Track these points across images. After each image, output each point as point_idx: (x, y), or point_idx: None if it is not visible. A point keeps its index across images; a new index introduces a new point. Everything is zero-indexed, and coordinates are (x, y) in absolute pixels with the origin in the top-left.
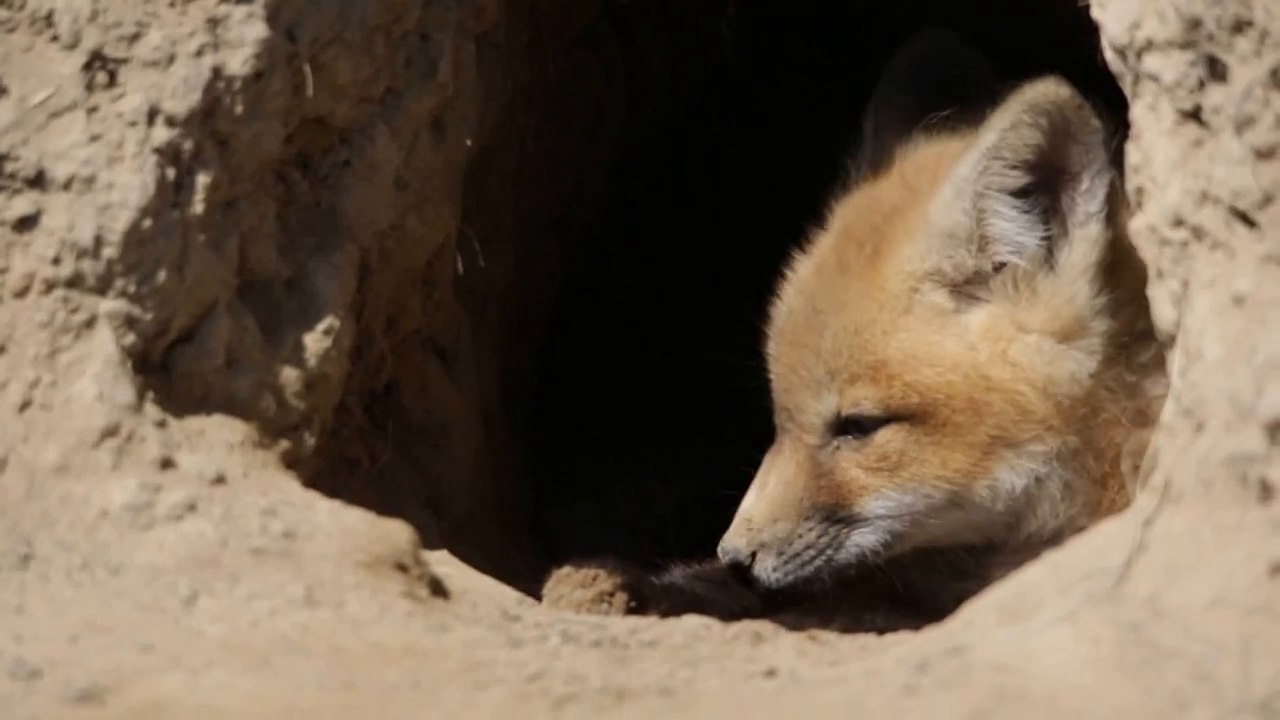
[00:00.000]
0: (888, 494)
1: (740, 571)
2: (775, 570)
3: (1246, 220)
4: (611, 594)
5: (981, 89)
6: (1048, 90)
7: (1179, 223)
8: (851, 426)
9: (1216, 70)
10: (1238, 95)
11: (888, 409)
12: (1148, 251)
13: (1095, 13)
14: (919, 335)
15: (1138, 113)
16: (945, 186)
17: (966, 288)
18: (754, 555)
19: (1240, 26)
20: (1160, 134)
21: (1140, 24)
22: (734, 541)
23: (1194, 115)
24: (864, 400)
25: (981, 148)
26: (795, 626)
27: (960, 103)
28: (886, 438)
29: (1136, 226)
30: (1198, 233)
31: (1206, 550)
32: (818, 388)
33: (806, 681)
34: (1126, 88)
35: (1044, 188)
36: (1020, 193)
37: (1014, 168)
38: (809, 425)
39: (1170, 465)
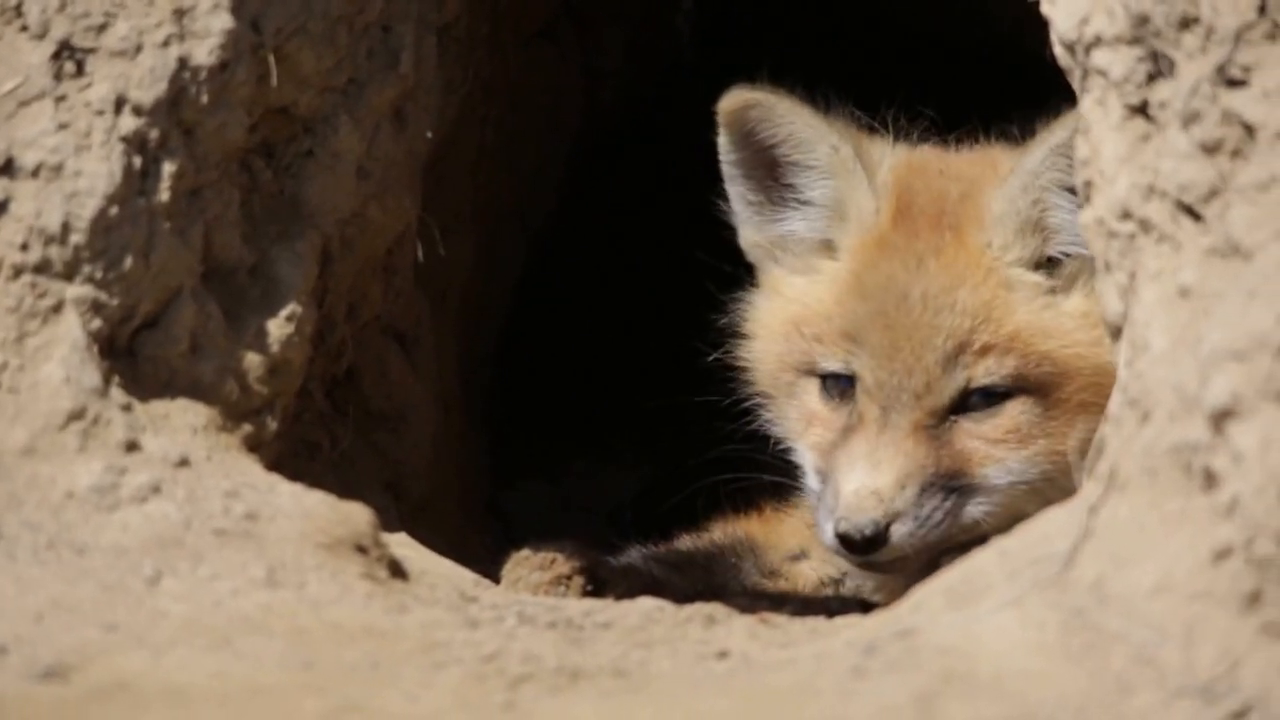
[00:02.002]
0: (1010, 465)
1: (876, 545)
2: (911, 536)
3: (1192, 214)
4: (569, 577)
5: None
6: None
7: (1126, 215)
8: (974, 399)
9: (1164, 66)
10: (1184, 91)
11: (1020, 378)
12: (1095, 244)
13: (1045, 8)
14: (1036, 310)
15: (1086, 107)
16: (1013, 178)
17: (1050, 270)
18: (888, 525)
19: (1187, 23)
20: (1108, 128)
21: (1089, 20)
22: (866, 515)
23: (1141, 110)
24: (998, 370)
25: (1050, 144)
26: (747, 610)
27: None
28: (1017, 409)
29: (1084, 219)
30: (1145, 225)
31: (1151, 537)
32: (946, 363)
33: (758, 663)
34: (1075, 82)
35: None
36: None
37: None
38: (932, 404)
39: (1116, 454)
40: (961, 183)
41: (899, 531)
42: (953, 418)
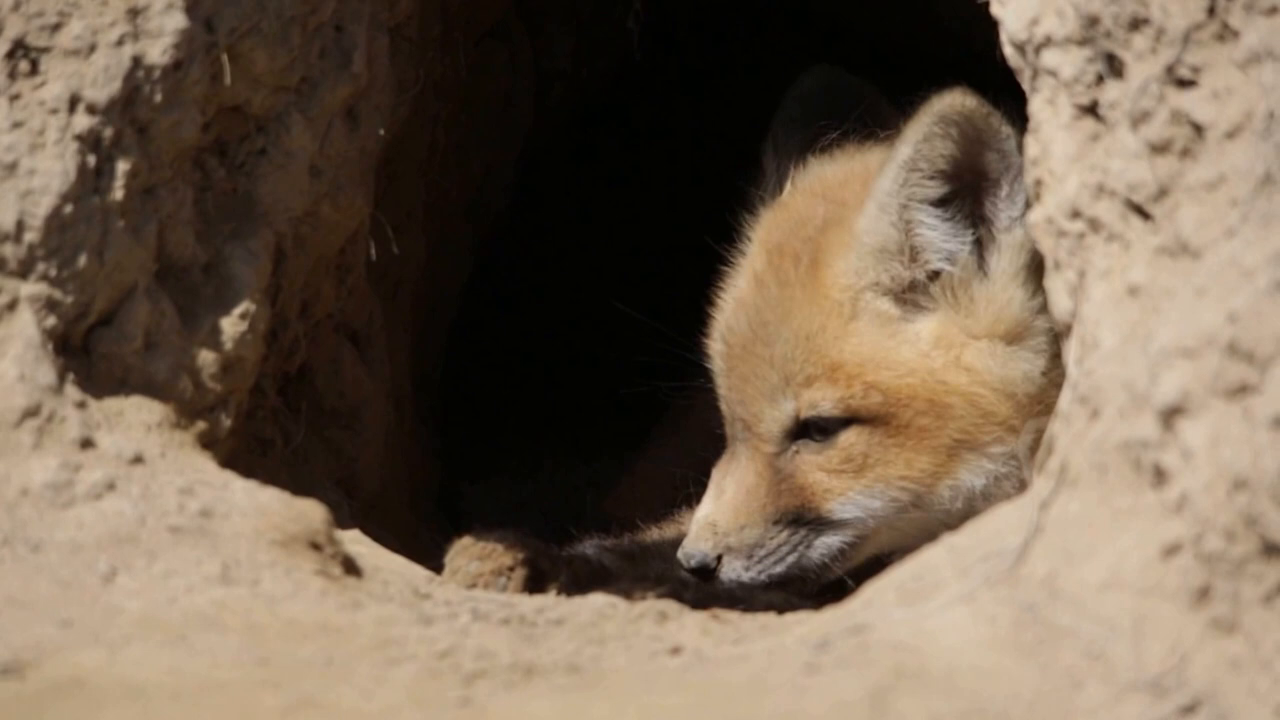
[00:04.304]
0: (853, 496)
1: (706, 575)
2: (747, 570)
3: (1141, 213)
4: (511, 568)
5: (875, 113)
6: (954, 101)
7: (1076, 215)
8: (811, 430)
9: (1114, 66)
10: (1134, 91)
11: (849, 409)
12: (1045, 243)
13: (995, 9)
14: (871, 339)
15: (1036, 107)
16: (869, 202)
17: (909, 296)
18: (719, 559)
19: (1137, 24)
20: (1058, 128)
21: (1039, 20)
22: (698, 545)
23: (1091, 110)
24: (822, 401)
25: (898, 161)
26: (699, 606)
27: (855, 125)
28: (850, 440)
29: (1034, 218)
30: (1094, 224)
31: (1101, 533)
32: (773, 394)
33: (710, 659)
34: (1025, 83)
35: (966, 194)
36: (941, 202)
37: (931, 178)
38: (766, 433)
39: (1066, 450)
40: (830, 205)
41: (729, 567)
42: (794, 448)
